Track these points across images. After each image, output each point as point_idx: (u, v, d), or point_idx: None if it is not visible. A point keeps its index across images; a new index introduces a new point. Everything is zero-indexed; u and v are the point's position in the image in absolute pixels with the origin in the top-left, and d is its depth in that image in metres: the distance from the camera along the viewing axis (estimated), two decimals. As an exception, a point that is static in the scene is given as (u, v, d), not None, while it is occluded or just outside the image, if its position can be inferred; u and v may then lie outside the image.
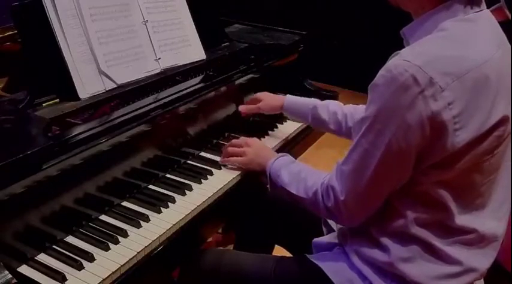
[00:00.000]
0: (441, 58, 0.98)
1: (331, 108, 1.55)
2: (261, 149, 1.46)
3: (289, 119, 1.83)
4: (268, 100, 1.66)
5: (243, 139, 1.50)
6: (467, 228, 1.08)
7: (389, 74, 0.98)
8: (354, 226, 1.17)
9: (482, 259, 1.13)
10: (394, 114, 0.98)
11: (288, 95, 1.67)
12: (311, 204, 1.20)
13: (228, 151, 1.48)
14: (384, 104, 0.99)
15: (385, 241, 1.11)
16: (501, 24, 1.13)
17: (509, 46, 1.11)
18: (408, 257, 1.09)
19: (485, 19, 1.07)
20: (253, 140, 1.51)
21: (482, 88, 0.99)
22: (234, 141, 1.52)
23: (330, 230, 1.35)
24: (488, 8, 1.11)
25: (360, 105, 1.48)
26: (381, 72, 1.01)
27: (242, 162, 1.44)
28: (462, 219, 1.07)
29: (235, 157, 1.46)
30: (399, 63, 0.97)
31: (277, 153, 1.43)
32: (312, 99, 1.63)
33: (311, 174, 1.25)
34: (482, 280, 1.20)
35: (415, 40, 1.06)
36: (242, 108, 1.68)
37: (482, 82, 0.99)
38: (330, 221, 1.36)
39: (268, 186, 1.36)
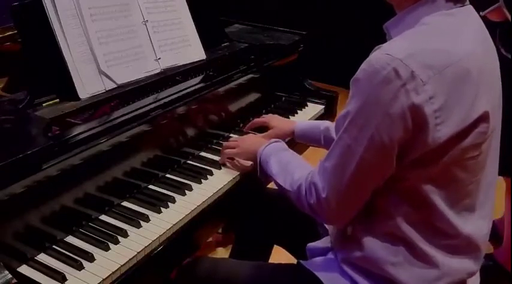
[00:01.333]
0: (422, 51, 0.97)
1: None
2: (253, 139, 1.49)
3: (289, 119, 1.84)
4: (278, 127, 1.63)
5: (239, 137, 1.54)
6: (453, 228, 1.07)
7: (371, 68, 0.97)
8: (338, 225, 1.17)
9: (467, 263, 1.12)
10: (376, 108, 0.98)
11: (298, 121, 1.66)
12: (295, 198, 1.19)
13: (225, 145, 1.50)
14: (366, 98, 0.99)
15: (373, 244, 1.10)
16: (500, 24, 1.13)
17: (492, 43, 1.11)
18: (396, 261, 1.08)
19: (469, 14, 1.07)
20: (247, 136, 1.54)
21: (463, 82, 0.99)
22: (229, 140, 1.54)
23: (325, 232, 1.34)
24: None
25: None
26: (363, 66, 1.00)
27: (235, 154, 1.44)
28: (449, 219, 1.06)
29: (229, 150, 1.46)
30: (381, 56, 0.97)
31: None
32: (321, 121, 1.61)
33: (299, 166, 1.24)
34: (478, 279, 1.20)
35: (396, 34, 1.06)
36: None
37: (463, 77, 0.99)
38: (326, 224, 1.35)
39: (258, 172, 1.36)
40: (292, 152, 1.35)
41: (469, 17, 1.07)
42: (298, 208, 1.20)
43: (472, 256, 1.12)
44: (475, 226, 1.10)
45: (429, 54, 0.97)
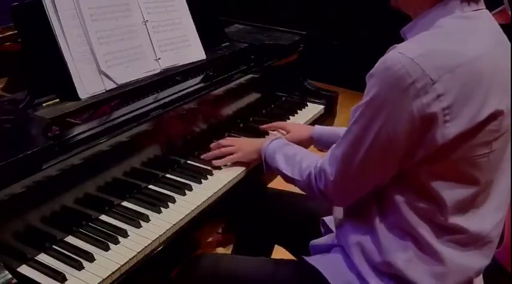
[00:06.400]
0: (434, 51, 1.00)
1: None
2: (249, 140, 1.52)
3: (289, 119, 1.84)
4: (295, 132, 1.64)
5: (228, 139, 1.55)
6: (461, 227, 1.08)
7: (384, 65, 1.01)
8: (345, 205, 1.21)
9: (476, 259, 1.13)
10: (384, 103, 1.01)
11: (316, 126, 1.65)
12: (305, 186, 1.24)
13: (222, 151, 1.49)
14: (376, 93, 1.02)
15: (383, 239, 1.11)
16: (502, 26, 1.13)
17: (509, 45, 1.11)
18: (405, 256, 1.09)
19: (484, 18, 1.09)
20: (241, 139, 1.56)
21: (474, 82, 1.00)
22: (221, 142, 1.53)
23: (328, 230, 1.35)
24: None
25: None
26: (377, 63, 1.04)
27: (238, 158, 1.47)
28: (457, 217, 1.08)
29: (230, 156, 1.48)
30: (394, 55, 1.00)
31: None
32: (339, 128, 1.61)
33: (305, 156, 1.29)
34: (481, 279, 1.20)
35: (412, 36, 1.09)
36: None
37: (474, 77, 1.00)
38: (328, 222, 1.36)
39: (264, 169, 1.41)
40: (294, 145, 1.40)
41: (485, 21, 1.09)
42: (308, 195, 1.26)
43: (481, 250, 1.13)
44: (481, 224, 1.11)
45: (440, 54, 1.00)
